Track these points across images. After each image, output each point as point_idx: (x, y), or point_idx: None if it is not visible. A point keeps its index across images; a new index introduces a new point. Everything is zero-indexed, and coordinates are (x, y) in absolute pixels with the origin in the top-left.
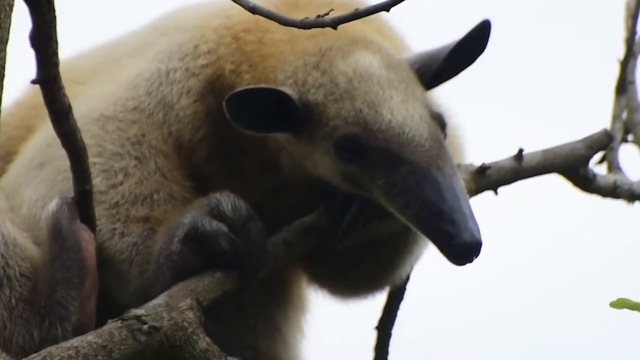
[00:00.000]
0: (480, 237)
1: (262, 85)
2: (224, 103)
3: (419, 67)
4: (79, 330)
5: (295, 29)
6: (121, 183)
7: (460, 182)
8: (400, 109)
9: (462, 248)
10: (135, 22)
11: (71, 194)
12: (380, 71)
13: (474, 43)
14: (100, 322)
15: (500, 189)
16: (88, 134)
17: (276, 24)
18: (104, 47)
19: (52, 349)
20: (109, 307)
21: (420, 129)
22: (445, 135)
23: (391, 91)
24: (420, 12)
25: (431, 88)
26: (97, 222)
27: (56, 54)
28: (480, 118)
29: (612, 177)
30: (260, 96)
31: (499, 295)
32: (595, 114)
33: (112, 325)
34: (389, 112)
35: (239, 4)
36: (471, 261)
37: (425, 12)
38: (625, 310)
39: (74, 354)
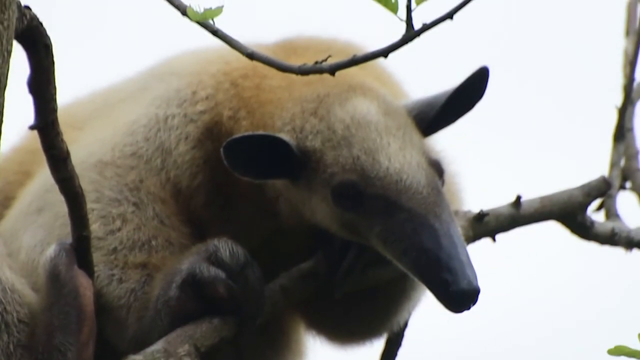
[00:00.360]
0: (477, 285)
1: (260, 132)
2: (221, 150)
3: (416, 114)
4: None
5: (293, 76)
6: (119, 229)
7: (458, 229)
8: (397, 156)
9: (459, 296)
10: (132, 67)
11: (69, 239)
12: (378, 118)
13: (472, 90)
14: None
15: (498, 236)
16: (86, 179)
17: (274, 69)
18: (101, 92)
19: None
20: (107, 353)
21: (417, 176)
22: (443, 182)
23: (389, 138)
24: (419, 57)
25: (429, 135)
26: (95, 268)
27: (54, 100)
28: (478, 165)
29: (610, 224)
30: (257, 143)
31: (496, 342)
32: (593, 161)
33: None
34: (386, 159)
35: (237, 49)
36: (469, 309)
37: (424, 57)
38: (623, 357)
39: None
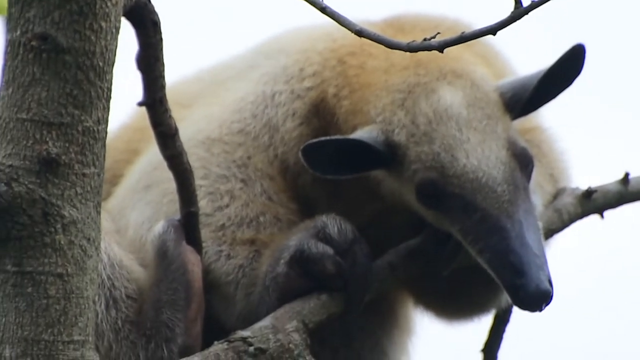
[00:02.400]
0: (546, 288)
1: (337, 137)
2: (299, 152)
3: (512, 95)
4: (185, 352)
5: (394, 57)
6: (227, 205)
7: (534, 227)
8: (476, 152)
9: (528, 299)
10: (239, 45)
11: (177, 216)
12: (460, 110)
13: (569, 68)
14: (206, 344)
15: (606, 213)
16: (194, 156)
17: (379, 49)
18: (209, 70)
19: None
20: (215, 329)
21: (494, 173)
22: (528, 173)
23: (469, 132)
24: (529, 34)
25: (525, 114)
26: (204, 245)
27: (162, 77)
28: (587, 142)
29: None
30: (338, 144)
31: (603, 318)
32: None
33: (218, 347)
34: (464, 156)
35: (345, 26)
36: (541, 310)
37: (534, 34)
38: None
39: None
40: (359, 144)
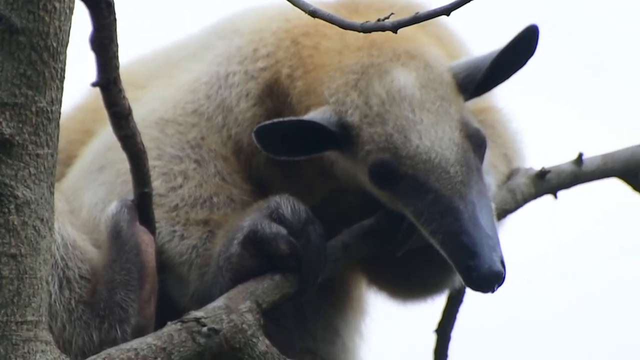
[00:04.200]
0: (499, 269)
1: (289, 118)
2: (252, 134)
3: (465, 75)
4: (139, 333)
5: (348, 38)
6: (181, 186)
7: (487, 208)
8: (429, 133)
9: (480, 281)
10: (193, 26)
11: (131, 196)
12: (414, 92)
13: (522, 47)
14: (159, 325)
15: (560, 193)
16: (147, 137)
17: (333, 29)
18: (163, 51)
19: (112, 350)
20: (168, 309)
21: (447, 154)
22: (481, 154)
23: (422, 114)
24: (482, 14)
25: (479, 95)
26: (157, 225)
27: (116, 57)
28: (541, 122)
29: None
30: (291, 126)
31: (556, 298)
32: None
33: (171, 328)
34: (417, 137)
35: (299, 7)
36: (493, 291)
37: (488, 14)
38: None
39: (133, 356)
40: (312, 125)
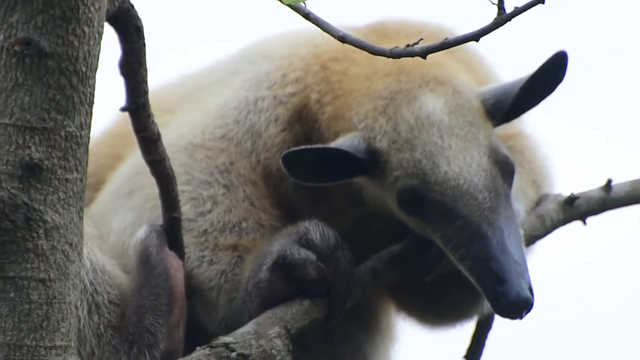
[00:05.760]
0: (527, 295)
1: (318, 145)
2: (280, 160)
3: (494, 102)
4: (167, 358)
5: (377, 64)
6: (210, 211)
7: (515, 234)
8: (457, 159)
9: (508, 307)
10: (222, 51)
11: (160, 221)
12: (442, 117)
13: (551, 73)
14: (188, 350)
15: (589, 219)
16: (176, 162)
17: (362, 55)
18: (192, 76)
19: None
20: (197, 334)
21: (475, 180)
22: (510, 180)
23: (450, 140)
24: (511, 40)
25: (507, 121)
26: (186, 250)
27: (145, 82)
28: (570, 148)
29: None
30: (318, 152)
31: (587, 325)
32: None
33: (200, 353)
34: (445, 163)
35: (328, 32)
36: (521, 317)
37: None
38: None
39: None
40: (340, 152)
